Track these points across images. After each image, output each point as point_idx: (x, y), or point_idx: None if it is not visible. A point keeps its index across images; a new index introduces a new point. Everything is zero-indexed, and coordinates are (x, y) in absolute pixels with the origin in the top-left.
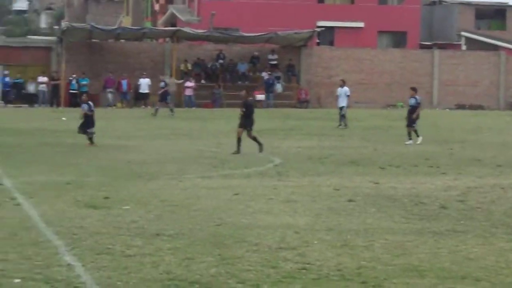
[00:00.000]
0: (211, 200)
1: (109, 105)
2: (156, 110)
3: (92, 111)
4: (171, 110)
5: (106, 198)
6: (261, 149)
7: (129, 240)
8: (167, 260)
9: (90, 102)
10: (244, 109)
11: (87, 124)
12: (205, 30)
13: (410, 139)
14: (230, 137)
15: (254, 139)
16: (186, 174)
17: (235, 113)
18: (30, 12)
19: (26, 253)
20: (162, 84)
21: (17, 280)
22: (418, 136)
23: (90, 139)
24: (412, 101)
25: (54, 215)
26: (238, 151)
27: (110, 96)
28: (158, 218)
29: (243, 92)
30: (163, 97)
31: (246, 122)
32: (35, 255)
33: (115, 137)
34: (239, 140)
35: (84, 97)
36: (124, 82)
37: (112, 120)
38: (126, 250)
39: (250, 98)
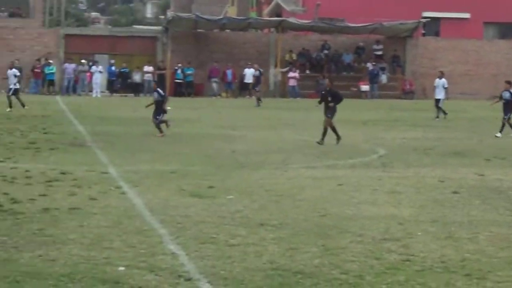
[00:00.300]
0: (315, 190)
1: (214, 95)
2: (258, 100)
3: (162, 98)
4: (258, 100)
5: (211, 187)
6: (337, 141)
7: (233, 230)
8: (271, 250)
9: (159, 89)
10: (329, 98)
11: (157, 112)
12: (310, 21)
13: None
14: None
15: (333, 129)
16: (291, 164)
17: (339, 104)
18: (136, 2)
19: (130, 242)
20: (257, 73)
21: (121, 268)
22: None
23: (159, 127)
24: (507, 95)
25: (158, 203)
26: (338, 138)
27: (215, 85)
28: (262, 207)
29: (326, 81)
30: (254, 85)
31: (328, 110)
32: (139, 243)
33: (220, 126)
34: (333, 129)
35: (153, 84)
36: (229, 72)
37: (216, 110)
38: (230, 239)
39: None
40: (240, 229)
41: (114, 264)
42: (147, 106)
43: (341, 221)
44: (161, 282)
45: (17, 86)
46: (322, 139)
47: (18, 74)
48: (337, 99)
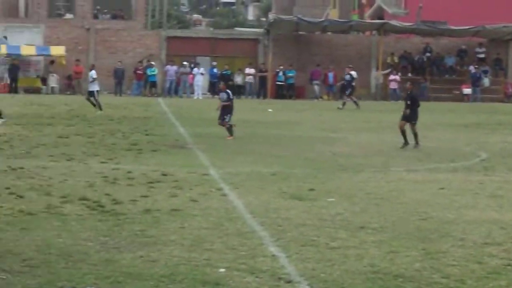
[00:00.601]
0: (416, 193)
1: (315, 97)
2: (344, 104)
3: (230, 99)
4: (343, 104)
5: (311, 190)
6: (416, 146)
7: (334, 233)
8: (371, 253)
9: (228, 91)
10: (409, 102)
11: (224, 112)
12: (412, 23)
13: None
14: (435, 131)
15: (415, 135)
16: (391, 167)
17: (441, 107)
18: (238, 4)
19: (231, 243)
20: (347, 77)
21: (222, 270)
22: None
23: (229, 129)
24: None
25: (259, 206)
26: (406, 143)
27: (316, 88)
28: (363, 211)
29: (407, 84)
30: (344, 89)
31: (411, 115)
32: (240, 245)
33: (321, 129)
34: (403, 132)
35: (221, 85)
36: (331, 75)
37: (317, 112)
38: (330, 242)
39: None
40: (340, 231)
41: (215, 265)
42: (218, 108)
43: (442, 225)
44: (261, 284)
45: (97, 88)
46: (405, 140)
47: (95, 76)
48: (415, 104)
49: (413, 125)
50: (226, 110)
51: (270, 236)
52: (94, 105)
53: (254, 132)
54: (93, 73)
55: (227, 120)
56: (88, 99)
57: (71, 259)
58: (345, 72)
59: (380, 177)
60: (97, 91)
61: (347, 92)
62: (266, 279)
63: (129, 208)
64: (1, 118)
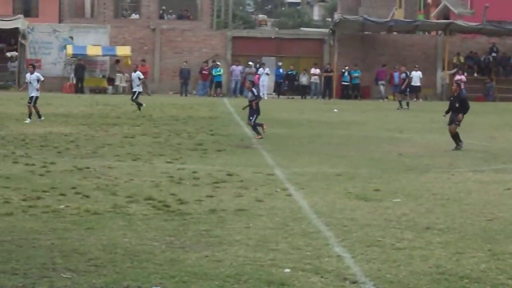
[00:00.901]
0: (482, 194)
1: (381, 98)
2: (400, 103)
3: (257, 98)
4: (407, 104)
5: (377, 190)
6: (457, 148)
7: (399, 233)
8: (437, 254)
9: (254, 90)
10: (457, 105)
11: (251, 112)
12: (478, 23)
13: None
14: (502, 131)
15: (455, 137)
16: (457, 167)
17: (507, 107)
18: (303, 4)
19: (296, 244)
20: (403, 75)
21: (287, 270)
22: None
23: (254, 128)
24: None
25: (324, 206)
26: (459, 142)
27: (382, 88)
28: (428, 211)
29: (454, 86)
30: (404, 90)
31: (454, 116)
32: (305, 245)
33: (386, 129)
34: (455, 136)
35: (248, 84)
36: (396, 75)
37: (383, 113)
38: (396, 243)
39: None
40: (406, 232)
41: (280, 266)
42: (244, 108)
43: (508, 226)
44: (326, 284)
45: (139, 89)
46: (457, 145)
47: (141, 77)
48: (465, 107)
49: (456, 126)
50: (253, 110)
51: (335, 236)
52: (140, 105)
53: (319, 132)
54: (139, 74)
55: (252, 120)
56: (135, 100)
57: (136, 258)
58: (403, 72)
59: (446, 177)
60: (139, 92)
61: (406, 92)
62: (331, 280)
63: (194, 208)
64: (40, 117)
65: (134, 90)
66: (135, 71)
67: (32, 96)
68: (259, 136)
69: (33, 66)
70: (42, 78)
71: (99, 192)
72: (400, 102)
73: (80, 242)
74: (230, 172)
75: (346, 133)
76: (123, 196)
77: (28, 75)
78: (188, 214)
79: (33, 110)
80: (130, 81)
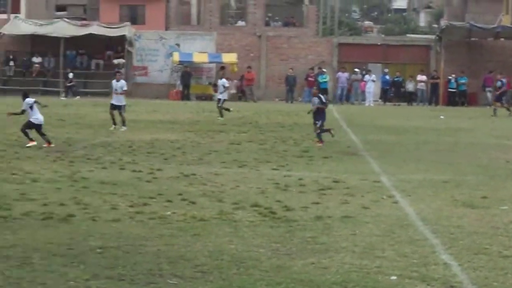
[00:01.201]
0: None
1: (488, 104)
2: (495, 111)
3: (324, 104)
4: (508, 109)
5: (484, 197)
6: None
7: (507, 241)
8: None
9: (321, 95)
10: None
11: (317, 117)
12: None
13: None
14: None
15: None
16: None
17: None
18: (409, 10)
19: (402, 251)
20: (498, 83)
21: (393, 277)
22: None
23: (318, 135)
24: None
25: (431, 213)
26: None
27: (489, 95)
28: None
29: None
30: (499, 97)
31: None
32: (411, 253)
33: (494, 136)
34: None
35: (314, 90)
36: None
37: (490, 119)
38: (503, 250)
39: None
40: None
41: (386, 273)
42: (308, 112)
43: None
44: None
45: (225, 96)
46: None
47: (226, 85)
48: None
49: None
50: (319, 115)
51: (442, 244)
52: (224, 110)
53: (426, 139)
54: (224, 82)
55: (318, 125)
56: (221, 107)
57: (242, 265)
58: (499, 80)
59: None
60: (224, 99)
61: (503, 100)
62: (438, 287)
63: (300, 215)
64: (124, 126)
65: (219, 97)
66: (221, 78)
67: (120, 105)
68: (320, 144)
69: (120, 73)
70: (125, 88)
71: (205, 198)
72: (494, 110)
73: (186, 249)
74: (336, 179)
75: (453, 140)
76: (229, 202)
77: (114, 82)
78: (294, 221)
79: (118, 118)
80: (238, 87)
